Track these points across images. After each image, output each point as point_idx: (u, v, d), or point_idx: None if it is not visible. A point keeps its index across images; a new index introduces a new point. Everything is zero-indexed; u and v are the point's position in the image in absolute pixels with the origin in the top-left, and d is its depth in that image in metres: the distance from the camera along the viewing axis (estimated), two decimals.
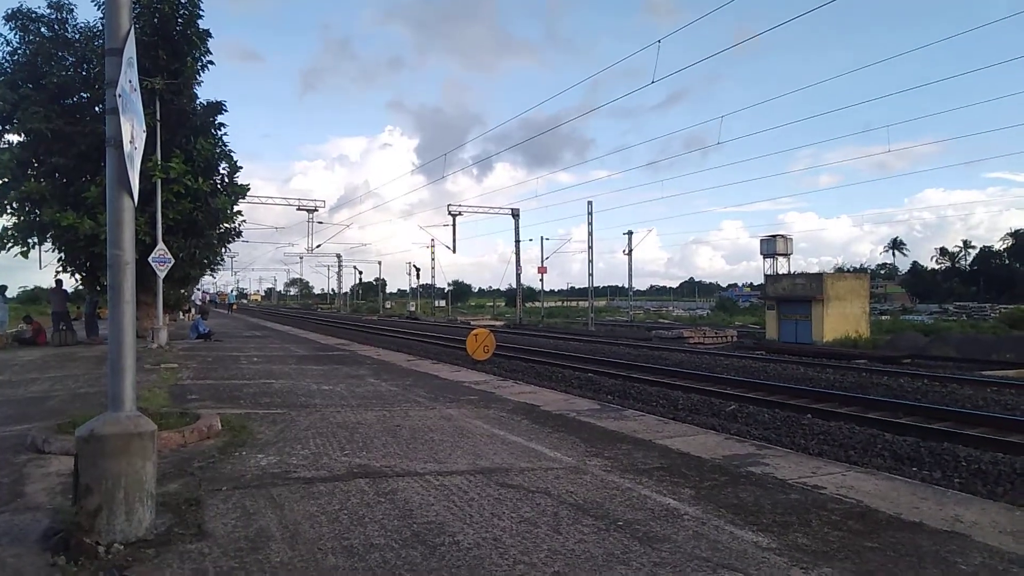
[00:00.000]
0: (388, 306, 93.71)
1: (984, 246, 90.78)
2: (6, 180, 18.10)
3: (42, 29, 18.61)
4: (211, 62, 19.65)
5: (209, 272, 28.56)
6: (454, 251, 52.71)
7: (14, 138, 18.54)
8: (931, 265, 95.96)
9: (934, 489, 4.97)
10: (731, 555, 3.40)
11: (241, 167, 21.02)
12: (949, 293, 78.35)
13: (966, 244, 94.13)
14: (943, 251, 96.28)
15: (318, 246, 54.93)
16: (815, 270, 48.74)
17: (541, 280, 56.88)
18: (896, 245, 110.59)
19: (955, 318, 44.64)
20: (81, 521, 3.42)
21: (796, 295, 27.83)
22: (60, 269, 19.96)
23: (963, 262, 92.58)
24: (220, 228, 21.35)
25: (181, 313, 37.47)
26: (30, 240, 18.59)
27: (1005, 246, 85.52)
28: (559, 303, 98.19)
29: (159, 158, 17.49)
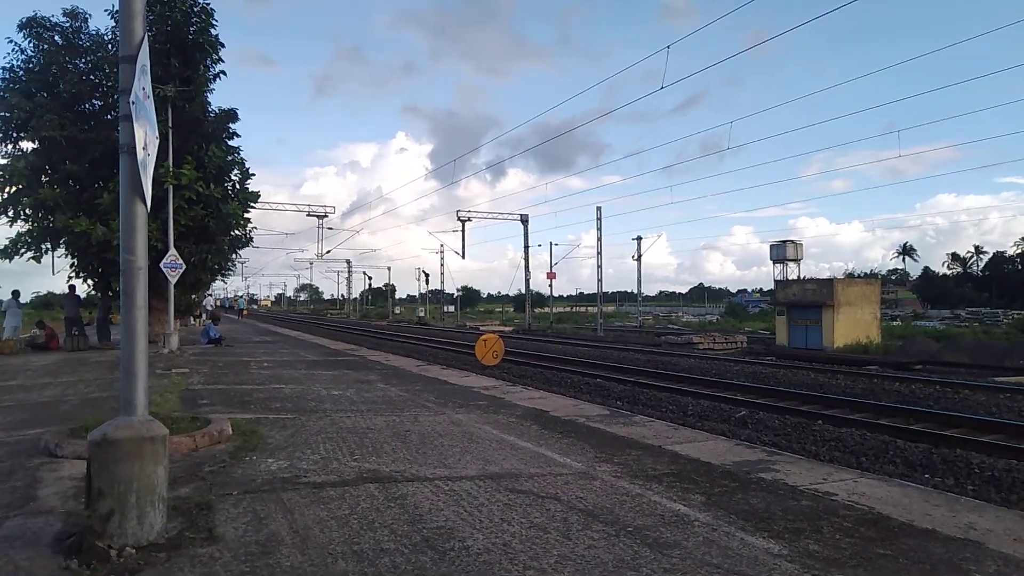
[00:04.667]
0: (397, 312, 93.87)
1: (997, 251, 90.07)
2: (20, 187, 18.30)
3: (56, 37, 18.82)
4: (223, 71, 19.87)
5: (220, 278, 28.75)
6: (463, 256, 52.87)
7: (28, 145, 18.78)
8: (943, 271, 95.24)
9: (947, 496, 4.93)
10: (742, 562, 3.38)
11: (253, 174, 21.22)
12: (961, 299, 77.67)
13: (978, 249, 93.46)
14: (955, 256, 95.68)
15: (328, 252, 55.16)
16: (826, 275, 48.63)
17: (550, 286, 56.81)
18: (907, 250, 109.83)
19: (967, 324, 44.28)
20: (93, 525, 3.45)
21: (806, 300, 27.68)
22: (73, 275, 20.18)
23: (975, 267, 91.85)
24: (231, 234, 21.52)
25: (192, 318, 37.68)
26: (43, 246, 18.77)
27: (1018, 251, 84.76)
28: (568, 309, 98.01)
29: (171, 165, 17.64)
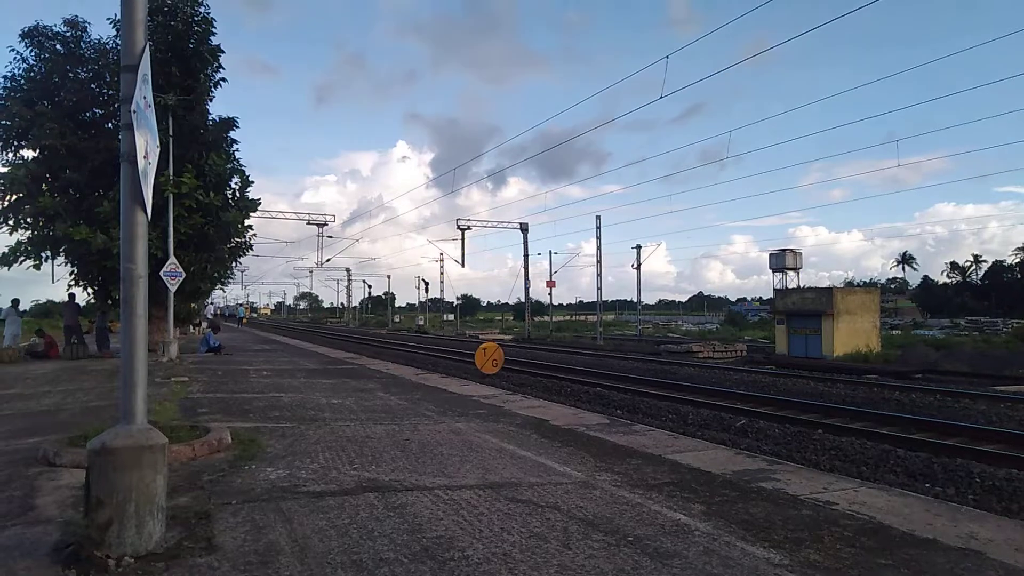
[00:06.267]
0: (397, 320, 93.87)
1: (996, 260, 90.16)
2: (21, 195, 18.35)
3: (57, 46, 18.90)
4: (223, 79, 19.96)
5: (220, 286, 28.76)
6: (463, 265, 52.79)
7: (29, 154, 18.83)
8: (942, 280, 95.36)
9: (948, 505, 4.92)
10: (742, 571, 3.37)
11: (253, 182, 21.28)
12: (960, 307, 77.77)
13: (976, 258, 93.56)
14: (954, 265, 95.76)
15: (328, 260, 55.25)
16: (825, 284, 48.55)
17: (550, 294, 56.78)
18: (906, 259, 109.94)
19: (967, 333, 44.25)
20: (92, 534, 3.43)
21: (806, 309, 27.67)
22: (72, 283, 20.19)
23: (974, 276, 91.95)
24: (231, 242, 21.54)
25: (192, 327, 37.64)
26: (43, 254, 18.79)
27: (1017, 260, 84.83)
28: (568, 317, 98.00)
29: (171, 173, 17.68)
